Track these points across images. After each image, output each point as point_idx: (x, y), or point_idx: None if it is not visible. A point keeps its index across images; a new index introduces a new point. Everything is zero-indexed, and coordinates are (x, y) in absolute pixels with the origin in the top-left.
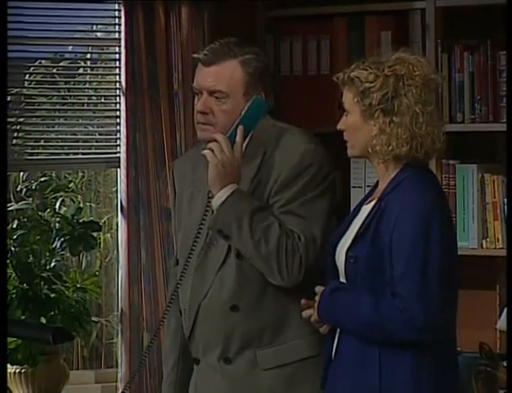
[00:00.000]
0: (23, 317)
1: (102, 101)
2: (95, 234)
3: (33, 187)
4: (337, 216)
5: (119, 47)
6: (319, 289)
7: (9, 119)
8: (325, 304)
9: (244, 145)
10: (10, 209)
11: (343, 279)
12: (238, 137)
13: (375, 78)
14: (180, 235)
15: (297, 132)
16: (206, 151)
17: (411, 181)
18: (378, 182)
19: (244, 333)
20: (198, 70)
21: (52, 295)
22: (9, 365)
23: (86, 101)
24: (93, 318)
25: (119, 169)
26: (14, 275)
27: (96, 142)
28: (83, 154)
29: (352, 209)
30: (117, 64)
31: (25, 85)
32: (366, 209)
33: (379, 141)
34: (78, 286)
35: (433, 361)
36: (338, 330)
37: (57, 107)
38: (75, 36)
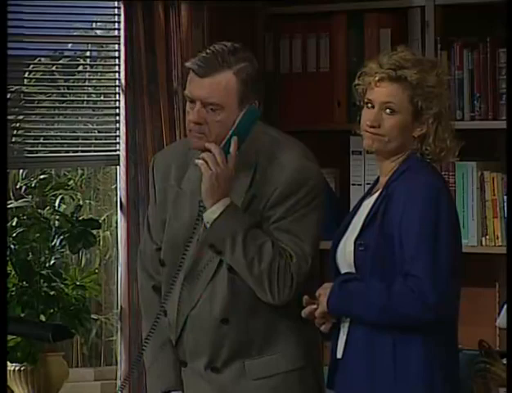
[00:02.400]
0: (22, 314)
1: (102, 98)
2: (94, 232)
3: (33, 185)
4: (336, 217)
5: (119, 44)
6: (326, 285)
7: (8, 117)
8: (336, 296)
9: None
10: (9, 206)
11: (351, 270)
12: (232, 148)
13: (436, 83)
14: (166, 236)
15: (293, 145)
16: (200, 162)
17: (417, 166)
18: (377, 179)
19: (234, 344)
20: (191, 79)
21: (52, 293)
22: (8, 363)
23: (85, 98)
24: (93, 316)
25: (118, 167)
26: (13, 273)
27: (96, 139)
28: (82, 151)
29: (351, 206)
30: (116, 61)
31: (25, 83)
32: (369, 201)
33: (426, 141)
34: (78, 283)
35: (443, 349)
36: (343, 329)
37: (57, 105)
38: (75, 34)
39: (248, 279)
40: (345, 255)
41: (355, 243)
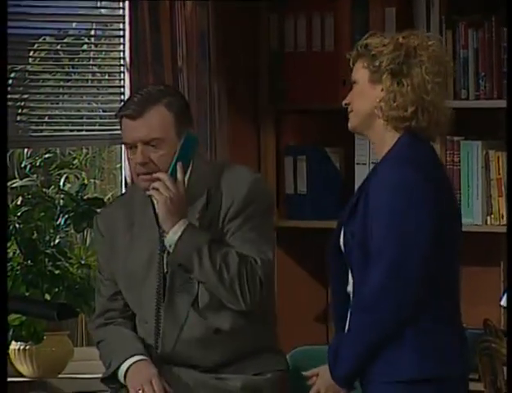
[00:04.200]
0: (27, 293)
1: (106, 77)
2: (99, 210)
3: (38, 164)
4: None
5: (123, 23)
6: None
7: (13, 96)
8: (335, 371)
9: (186, 182)
10: (14, 185)
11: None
12: (179, 173)
13: (389, 42)
14: (123, 278)
15: (238, 166)
16: (152, 191)
17: (403, 151)
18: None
19: (225, 353)
20: (125, 126)
21: (57, 272)
22: (13, 342)
23: (90, 77)
24: None
25: (123, 146)
26: (18, 252)
27: (100, 118)
28: (87, 130)
29: (356, 186)
30: (121, 40)
31: (29, 62)
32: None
33: (385, 101)
34: (83, 262)
35: (435, 335)
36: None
37: (61, 84)
38: (79, 12)
39: (219, 289)
40: (341, 239)
41: (345, 229)
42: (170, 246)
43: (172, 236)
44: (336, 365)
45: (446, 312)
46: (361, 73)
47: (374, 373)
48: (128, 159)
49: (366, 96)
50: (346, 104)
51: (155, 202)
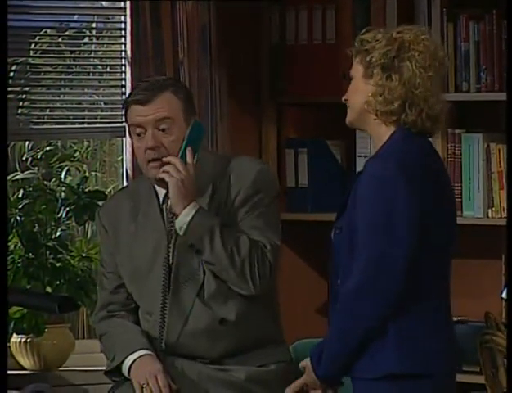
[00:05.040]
0: (28, 286)
1: (108, 70)
2: (100, 203)
3: (39, 157)
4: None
5: (125, 16)
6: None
7: (14, 89)
8: (320, 369)
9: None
10: (15, 178)
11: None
12: (188, 157)
13: (382, 37)
14: (128, 270)
15: (245, 156)
16: (163, 174)
17: (392, 147)
18: None
19: (230, 344)
20: (134, 111)
21: (58, 265)
22: (14, 335)
23: (91, 70)
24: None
25: (124, 139)
26: (19, 245)
27: (102, 111)
28: (88, 123)
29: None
30: (122, 33)
31: (31, 54)
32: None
33: (373, 95)
34: (84, 255)
35: (415, 327)
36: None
37: (63, 76)
38: (81, 5)
39: (229, 271)
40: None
41: (335, 225)
42: (181, 229)
43: (184, 218)
44: (318, 365)
45: (431, 309)
46: (356, 68)
47: (357, 370)
48: (136, 147)
49: (359, 91)
50: (345, 100)
51: (163, 191)
